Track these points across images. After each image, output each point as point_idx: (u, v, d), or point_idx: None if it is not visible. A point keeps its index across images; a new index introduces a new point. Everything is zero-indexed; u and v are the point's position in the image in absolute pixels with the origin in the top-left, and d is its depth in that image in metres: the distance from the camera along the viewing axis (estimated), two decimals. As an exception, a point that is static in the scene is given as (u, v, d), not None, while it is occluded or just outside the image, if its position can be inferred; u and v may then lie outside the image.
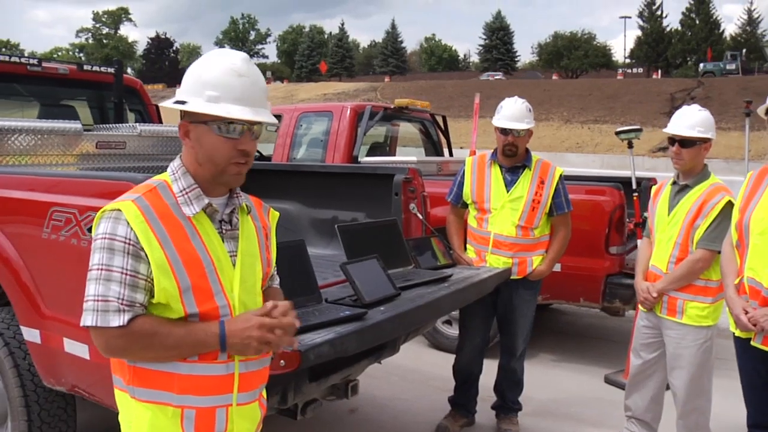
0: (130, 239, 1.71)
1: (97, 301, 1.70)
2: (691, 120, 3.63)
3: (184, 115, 1.82)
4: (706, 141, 3.63)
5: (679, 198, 3.68)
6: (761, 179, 3.12)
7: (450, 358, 4.56)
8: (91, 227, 2.06)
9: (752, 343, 3.01)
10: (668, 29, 65.47)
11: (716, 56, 50.79)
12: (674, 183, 3.76)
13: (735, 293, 3.12)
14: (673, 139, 3.66)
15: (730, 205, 3.48)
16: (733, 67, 45.15)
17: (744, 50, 47.24)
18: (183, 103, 1.79)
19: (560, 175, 4.13)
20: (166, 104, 1.89)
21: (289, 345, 1.85)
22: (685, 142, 3.61)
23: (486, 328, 4.34)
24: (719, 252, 3.44)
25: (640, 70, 60.55)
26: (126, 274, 1.71)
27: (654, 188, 3.97)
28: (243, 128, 1.78)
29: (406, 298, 3.01)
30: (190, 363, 1.78)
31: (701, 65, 49.09)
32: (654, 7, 66.46)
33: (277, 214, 2.11)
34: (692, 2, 64.60)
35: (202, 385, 1.80)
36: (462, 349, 4.37)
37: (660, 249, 3.74)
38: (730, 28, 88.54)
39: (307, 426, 4.12)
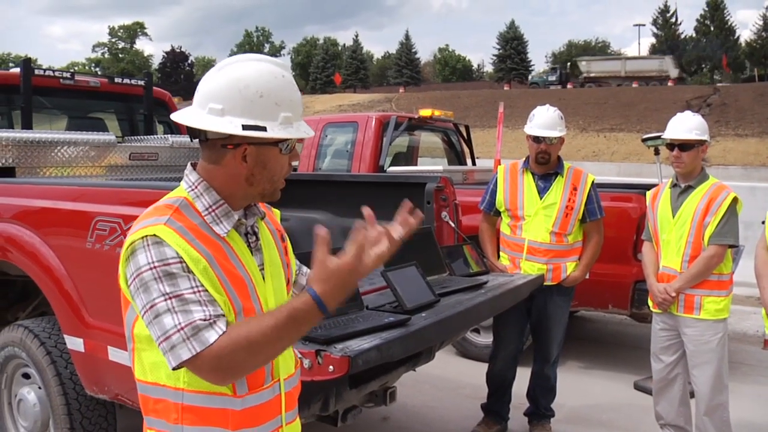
0: (183, 259, 1.53)
1: (181, 329, 1.48)
2: (687, 124, 3.79)
3: (233, 136, 1.60)
4: (702, 143, 3.78)
5: (683, 199, 3.79)
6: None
7: (478, 366, 4.56)
8: None
9: (794, 345, 3.03)
10: (682, 36, 65.15)
11: (731, 63, 51.72)
12: (674, 186, 3.89)
13: (775, 297, 3.13)
14: (672, 144, 3.80)
15: (735, 201, 3.69)
16: (554, 78, 49.78)
17: (568, 63, 51.87)
18: (262, 129, 1.59)
19: (592, 182, 4.17)
20: (248, 133, 1.59)
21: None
22: (684, 146, 3.76)
23: (520, 336, 4.35)
24: (729, 246, 3.66)
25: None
26: (199, 291, 1.52)
27: (649, 193, 4.10)
28: (295, 142, 1.71)
29: (445, 305, 3.02)
30: (242, 397, 1.65)
31: (530, 77, 54.96)
32: (668, 15, 66.14)
33: (278, 212, 1.97)
34: (707, 9, 64.29)
35: (255, 415, 1.68)
36: (496, 356, 4.38)
37: (669, 250, 3.81)
38: (745, 34, 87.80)
39: (342, 434, 4.13)
